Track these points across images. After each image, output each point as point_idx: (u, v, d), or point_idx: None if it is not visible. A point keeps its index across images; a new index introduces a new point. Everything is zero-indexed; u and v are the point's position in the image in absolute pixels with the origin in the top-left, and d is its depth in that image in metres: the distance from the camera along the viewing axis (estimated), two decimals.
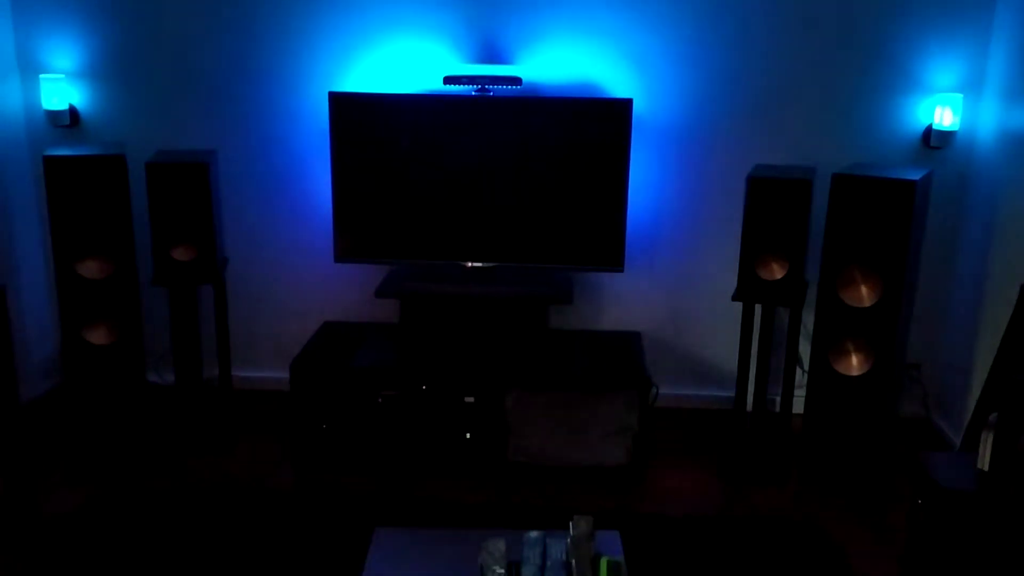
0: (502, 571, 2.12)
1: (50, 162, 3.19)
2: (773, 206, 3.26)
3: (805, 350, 3.45)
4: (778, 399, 3.63)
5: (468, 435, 3.43)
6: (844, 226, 3.10)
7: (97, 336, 3.33)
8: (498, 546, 2.17)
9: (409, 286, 3.61)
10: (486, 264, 3.63)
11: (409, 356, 3.56)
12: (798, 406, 3.47)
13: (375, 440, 3.47)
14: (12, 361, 2.96)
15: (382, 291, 3.59)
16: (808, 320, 3.37)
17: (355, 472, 3.44)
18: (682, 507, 3.23)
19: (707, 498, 3.33)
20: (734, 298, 3.41)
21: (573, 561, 2.16)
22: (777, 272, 3.32)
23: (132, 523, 3.07)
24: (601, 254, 3.59)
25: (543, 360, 3.53)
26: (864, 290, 3.11)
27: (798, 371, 3.57)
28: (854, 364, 3.17)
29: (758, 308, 3.49)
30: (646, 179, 3.75)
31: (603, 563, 2.14)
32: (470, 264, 3.63)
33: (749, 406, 3.60)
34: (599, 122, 3.51)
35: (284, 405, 3.58)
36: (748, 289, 3.37)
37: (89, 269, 3.27)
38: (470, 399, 3.42)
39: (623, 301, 3.91)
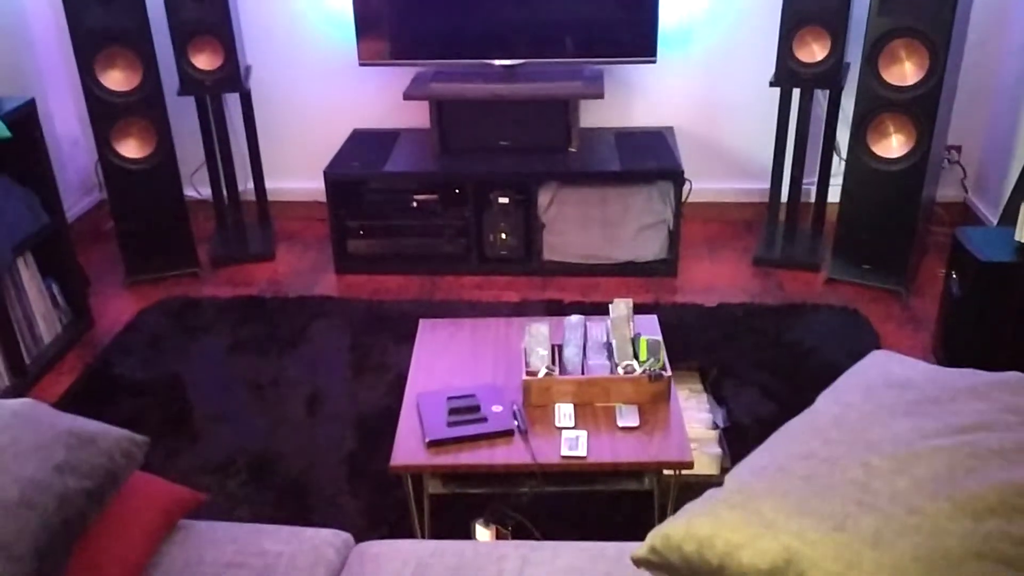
0: (545, 352, 2.20)
1: None
2: None
3: (843, 137, 3.37)
4: (813, 189, 3.60)
5: (504, 236, 3.47)
6: None
7: (129, 148, 3.33)
8: (541, 329, 2.23)
9: (437, 88, 3.53)
10: (514, 61, 3.52)
11: (441, 159, 3.55)
12: (834, 196, 3.44)
13: (411, 244, 3.52)
14: (52, 175, 2.99)
15: (410, 94, 3.52)
16: (847, 106, 3.27)
17: (393, 275, 3.52)
18: (717, 297, 3.29)
19: (741, 288, 3.37)
20: (772, 83, 3.31)
21: (614, 341, 2.22)
22: (818, 53, 3.20)
23: (183, 331, 3.19)
24: (633, 45, 3.46)
25: (575, 157, 3.51)
26: (908, 66, 3.00)
27: (835, 158, 3.52)
28: (894, 145, 3.11)
29: (795, 94, 3.40)
30: None
31: (642, 341, 2.20)
32: (498, 62, 3.53)
33: (784, 196, 3.58)
34: None
35: (320, 214, 3.61)
36: (786, 73, 3.27)
37: (115, 80, 3.23)
38: (504, 199, 3.42)
39: (656, 95, 3.81)
